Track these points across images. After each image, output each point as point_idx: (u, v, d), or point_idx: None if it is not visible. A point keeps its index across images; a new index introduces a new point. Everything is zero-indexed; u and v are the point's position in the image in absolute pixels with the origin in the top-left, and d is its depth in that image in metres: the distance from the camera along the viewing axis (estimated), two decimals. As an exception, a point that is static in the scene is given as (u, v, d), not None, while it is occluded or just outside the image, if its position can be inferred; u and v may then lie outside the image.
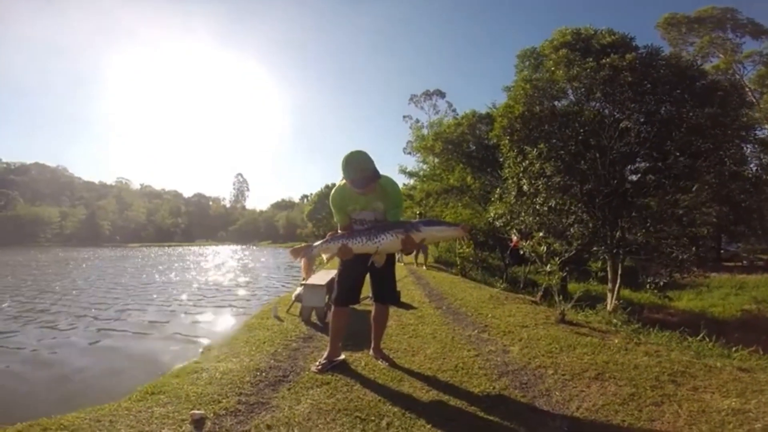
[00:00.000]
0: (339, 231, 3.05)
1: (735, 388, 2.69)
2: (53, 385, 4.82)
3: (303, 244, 3.08)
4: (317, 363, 3.11)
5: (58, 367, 5.42)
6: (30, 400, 4.38)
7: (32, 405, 4.08)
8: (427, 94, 36.37)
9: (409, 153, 30.85)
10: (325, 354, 3.18)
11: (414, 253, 11.50)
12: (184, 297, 11.19)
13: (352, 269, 3.07)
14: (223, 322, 7.88)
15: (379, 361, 3.22)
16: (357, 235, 2.82)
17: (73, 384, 4.84)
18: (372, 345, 3.37)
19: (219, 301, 10.79)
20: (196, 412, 2.33)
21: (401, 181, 28.02)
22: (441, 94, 36.22)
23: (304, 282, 5.08)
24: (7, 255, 31.98)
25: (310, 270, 3.04)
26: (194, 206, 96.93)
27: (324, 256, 2.96)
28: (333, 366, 3.08)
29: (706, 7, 26.31)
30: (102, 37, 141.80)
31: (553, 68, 9.17)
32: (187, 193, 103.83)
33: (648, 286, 8.40)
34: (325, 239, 2.93)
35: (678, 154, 7.71)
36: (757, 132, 13.35)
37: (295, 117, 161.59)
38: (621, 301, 7.36)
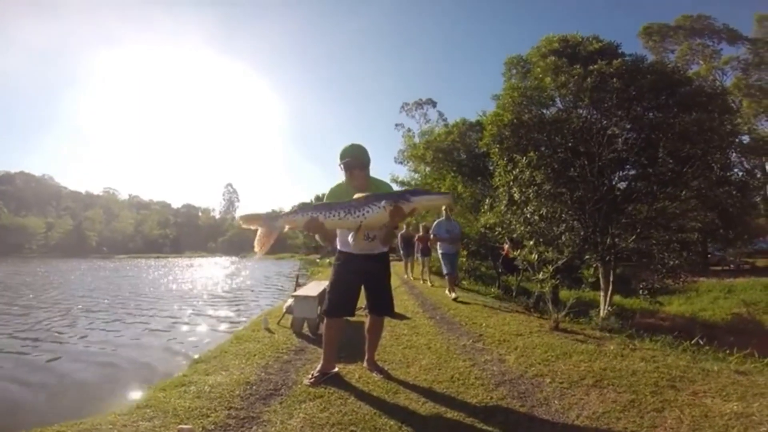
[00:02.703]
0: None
1: (735, 392, 2.68)
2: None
3: (264, 212, 2.63)
4: (310, 376, 3.03)
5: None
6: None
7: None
8: (419, 103, 36.43)
9: (401, 162, 30.87)
10: (318, 366, 3.09)
11: (422, 268, 10.59)
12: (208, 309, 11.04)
13: (347, 280, 3.00)
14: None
15: (374, 373, 3.15)
16: (334, 207, 2.48)
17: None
18: (366, 357, 3.29)
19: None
20: (184, 426, 2.26)
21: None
22: (432, 103, 36.29)
23: (295, 293, 5.01)
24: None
25: (266, 243, 2.52)
26: (183, 217, 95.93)
27: (285, 228, 2.55)
28: (326, 379, 2.99)
29: (679, 17, 27.20)
30: (89, 43, 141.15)
31: (541, 75, 9.26)
32: (176, 204, 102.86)
33: (640, 292, 8.44)
34: (292, 209, 2.58)
35: (667, 159, 7.79)
36: (740, 137, 13.69)
37: (286, 127, 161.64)
38: (614, 307, 7.38)
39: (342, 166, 2.89)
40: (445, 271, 7.91)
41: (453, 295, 7.34)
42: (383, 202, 2.41)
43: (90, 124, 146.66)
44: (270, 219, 2.51)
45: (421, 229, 11.08)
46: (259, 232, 2.48)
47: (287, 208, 2.79)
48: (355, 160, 2.86)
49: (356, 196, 2.53)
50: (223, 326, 8.50)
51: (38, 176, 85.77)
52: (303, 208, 2.51)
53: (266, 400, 2.70)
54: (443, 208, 7.52)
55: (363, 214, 2.41)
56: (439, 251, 7.83)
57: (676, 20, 27.43)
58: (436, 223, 7.87)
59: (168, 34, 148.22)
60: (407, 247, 11.71)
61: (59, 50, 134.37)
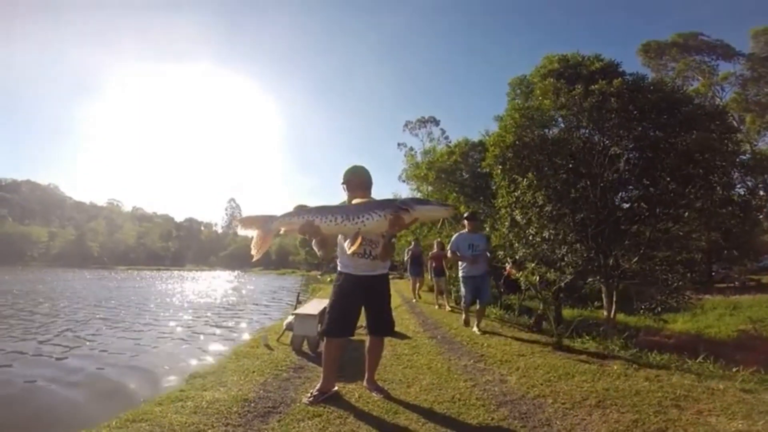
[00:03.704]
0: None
1: (740, 410, 2.64)
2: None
3: (261, 214, 2.52)
4: (309, 394, 3.00)
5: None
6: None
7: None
8: (422, 122, 36.74)
9: (404, 181, 31.02)
10: (318, 385, 3.06)
11: (439, 291, 9.48)
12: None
13: (347, 300, 2.99)
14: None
15: (374, 393, 3.11)
16: (332, 212, 2.40)
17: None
18: (366, 376, 3.26)
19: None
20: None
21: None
22: (435, 122, 36.60)
23: (296, 311, 4.99)
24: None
25: (263, 246, 2.43)
26: (185, 231, 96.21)
27: (282, 230, 2.46)
28: (325, 398, 2.96)
29: (673, 34, 27.75)
30: (98, 58, 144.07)
31: (540, 98, 9.30)
32: (179, 218, 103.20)
33: (641, 312, 8.34)
34: (289, 211, 2.46)
35: (668, 180, 7.75)
36: (741, 156, 13.70)
37: (289, 144, 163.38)
38: (617, 326, 7.29)
39: (344, 186, 2.96)
40: (463, 301, 6.31)
41: (475, 329, 5.88)
42: (383, 211, 2.34)
43: (97, 135, 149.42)
44: (266, 221, 2.45)
45: (435, 246, 10.05)
46: (255, 235, 2.43)
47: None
48: (357, 179, 2.93)
49: (355, 201, 2.51)
50: (223, 340, 8.44)
51: (44, 185, 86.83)
52: (300, 210, 2.44)
53: (264, 417, 2.67)
54: (458, 218, 6.55)
55: (362, 221, 2.34)
56: (460, 273, 6.13)
57: (671, 37, 27.96)
58: (456, 236, 6.24)
59: (174, 50, 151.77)
60: (415, 265, 10.77)
61: (67, 61, 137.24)
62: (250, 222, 2.47)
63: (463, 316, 6.48)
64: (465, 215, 6.38)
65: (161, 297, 18.25)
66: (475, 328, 5.90)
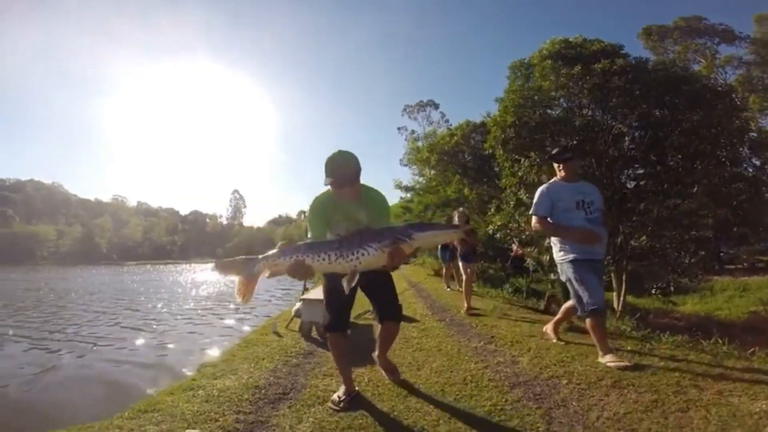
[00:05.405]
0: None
1: (762, 391, 2.57)
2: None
3: (240, 257, 2.27)
4: (337, 399, 2.61)
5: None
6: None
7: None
8: (421, 105, 36.40)
9: (406, 165, 30.89)
10: (341, 390, 2.69)
11: (467, 285, 6.28)
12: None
13: (339, 294, 2.47)
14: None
15: (383, 372, 3.03)
16: (323, 248, 2.16)
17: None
18: (377, 352, 3.00)
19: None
20: (192, 431, 2.23)
21: (398, 195, 28.09)
22: (434, 105, 36.27)
23: (303, 297, 4.96)
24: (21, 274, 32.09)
25: (248, 292, 2.21)
26: (191, 224, 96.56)
27: (265, 273, 2.22)
28: (352, 399, 2.62)
29: (676, 18, 27.55)
30: (99, 52, 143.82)
31: (539, 80, 9.24)
32: (184, 211, 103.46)
33: (654, 292, 8.28)
34: (273, 251, 2.22)
35: (678, 156, 7.65)
36: (751, 133, 13.46)
37: (292, 133, 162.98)
38: (628, 308, 7.24)
39: (329, 184, 2.46)
40: (581, 307, 3.35)
41: (614, 361, 3.14)
42: (380, 244, 2.10)
43: (99, 131, 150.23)
44: (247, 264, 2.21)
45: (455, 218, 7.21)
46: (237, 280, 2.21)
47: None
48: (342, 173, 2.42)
49: (351, 230, 2.23)
50: (233, 329, 8.51)
51: (48, 184, 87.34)
52: (286, 249, 2.18)
53: (275, 404, 2.65)
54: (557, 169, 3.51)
55: (357, 258, 2.10)
56: (561, 256, 3.43)
57: (674, 21, 27.67)
58: (546, 188, 3.52)
59: (176, 45, 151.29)
60: (445, 248, 8.59)
61: (68, 58, 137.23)
62: (228, 267, 2.27)
63: (606, 356, 3.21)
64: (553, 152, 3.77)
65: (180, 289, 18.98)
66: (606, 359, 3.17)
